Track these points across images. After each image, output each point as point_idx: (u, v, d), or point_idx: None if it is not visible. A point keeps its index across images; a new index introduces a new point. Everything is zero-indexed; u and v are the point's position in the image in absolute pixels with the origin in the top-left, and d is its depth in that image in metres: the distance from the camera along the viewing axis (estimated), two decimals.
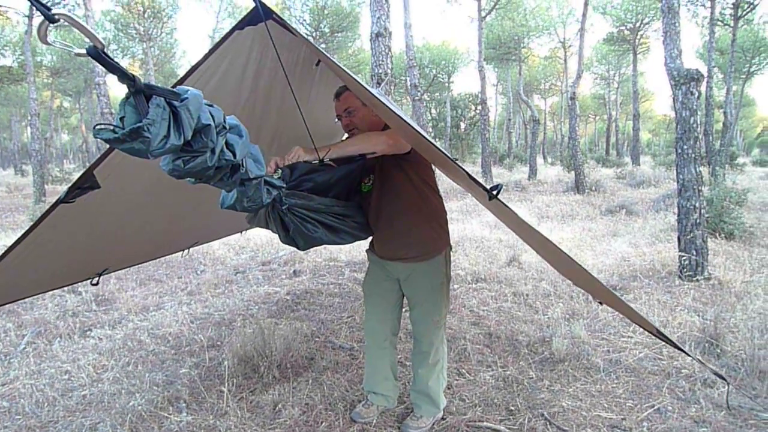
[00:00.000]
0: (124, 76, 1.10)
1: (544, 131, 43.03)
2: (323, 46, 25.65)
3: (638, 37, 28.54)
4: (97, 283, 2.92)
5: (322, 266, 6.45)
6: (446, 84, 34.50)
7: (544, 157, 37.07)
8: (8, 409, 3.01)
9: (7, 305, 4.67)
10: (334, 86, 2.41)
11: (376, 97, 1.58)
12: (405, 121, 1.69)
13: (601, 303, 2.59)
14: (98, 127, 1.14)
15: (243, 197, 1.73)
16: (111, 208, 2.33)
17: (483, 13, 20.19)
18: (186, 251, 4.00)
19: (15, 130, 40.96)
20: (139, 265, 6.52)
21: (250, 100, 2.23)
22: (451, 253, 2.57)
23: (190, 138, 1.25)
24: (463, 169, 1.54)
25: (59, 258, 2.50)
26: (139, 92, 1.14)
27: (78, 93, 34.92)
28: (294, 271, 6.18)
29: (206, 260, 7.01)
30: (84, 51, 1.04)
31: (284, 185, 1.93)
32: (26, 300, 5.10)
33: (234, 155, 1.43)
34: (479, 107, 21.79)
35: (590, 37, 37.83)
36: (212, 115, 1.30)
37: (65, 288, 5.43)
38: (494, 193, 1.50)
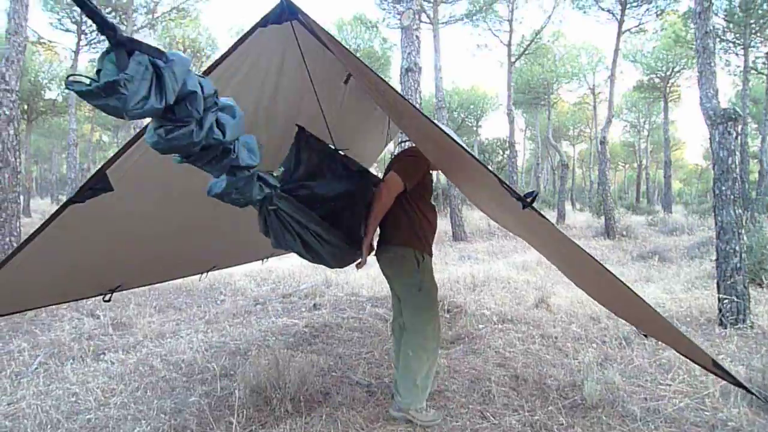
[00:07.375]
0: (104, 24, 0.99)
1: (573, 178, 42.65)
2: None
3: (669, 84, 28.28)
4: (109, 300, 2.85)
5: (343, 300, 6.31)
6: (474, 128, 34.65)
7: (573, 204, 36.53)
8: (10, 429, 2.90)
9: (24, 322, 4.64)
10: (365, 91, 2.34)
11: (407, 99, 1.49)
12: (441, 129, 1.60)
13: (646, 336, 2.40)
14: (71, 78, 1.03)
15: (232, 187, 1.65)
16: (123, 214, 2.25)
17: (512, 59, 20.37)
18: (204, 275, 3.92)
19: (55, 162, 42.36)
20: (159, 292, 6.47)
21: (273, 102, 2.15)
22: (432, 264, 2.96)
23: (172, 103, 1.15)
24: (496, 176, 1.42)
25: (69, 264, 2.42)
26: (121, 45, 1.03)
27: (117, 127, 35.97)
28: (314, 305, 6.05)
29: (227, 290, 6.94)
30: None
31: (278, 185, 1.86)
32: (44, 321, 5.07)
33: (224, 134, 1.34)
34: (507, 151, 21.76)
35: (620, 84, 37.60)
36: (201, 85, 1.21)
37: (84, 312, 5.39)
38: (528, 200, 1.35)
